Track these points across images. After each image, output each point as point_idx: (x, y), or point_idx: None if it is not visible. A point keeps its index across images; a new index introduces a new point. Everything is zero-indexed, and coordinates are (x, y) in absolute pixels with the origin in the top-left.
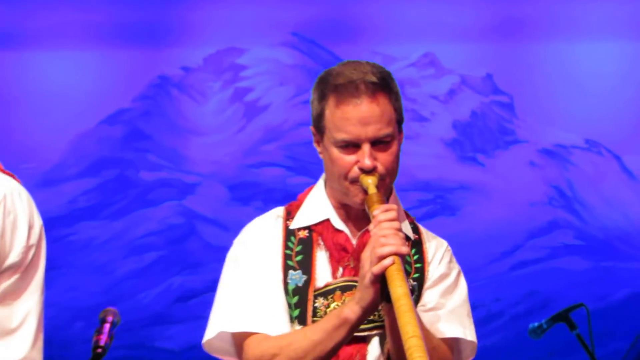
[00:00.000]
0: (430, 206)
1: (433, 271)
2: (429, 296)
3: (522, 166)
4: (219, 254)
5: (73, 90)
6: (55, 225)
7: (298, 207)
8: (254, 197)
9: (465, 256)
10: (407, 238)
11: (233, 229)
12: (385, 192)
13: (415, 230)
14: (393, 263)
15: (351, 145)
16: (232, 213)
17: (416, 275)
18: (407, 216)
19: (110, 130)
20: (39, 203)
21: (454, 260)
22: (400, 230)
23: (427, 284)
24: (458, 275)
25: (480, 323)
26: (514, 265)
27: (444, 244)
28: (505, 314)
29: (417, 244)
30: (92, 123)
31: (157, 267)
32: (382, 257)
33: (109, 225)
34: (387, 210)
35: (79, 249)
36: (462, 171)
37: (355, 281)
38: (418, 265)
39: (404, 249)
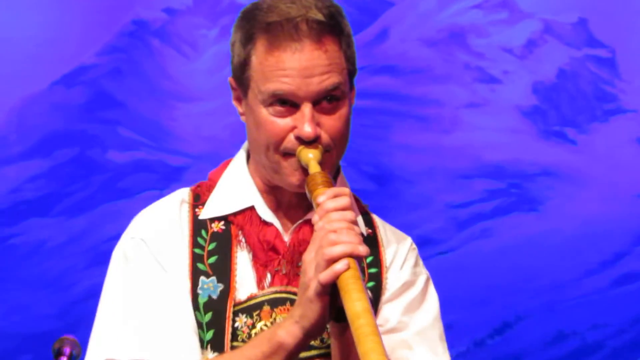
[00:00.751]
0: (503, 199)
1: (393, 278)
2: (389, 312)
3: (628, 144)
4: None
5: (15, 40)
6: None
7: (210, 189)
8: None
9: (551, 266)
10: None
11: None
12: (332, 170)
13: (369, 222)
14: (348, 268)
15: (286, 104)
16: None
17: (370, 283)
18: (358, 204)
19: (67, 95)
20: None
21: (421, 263)
22: (355, 222)
23: (386, 295)
24: (426, 283)
25: (570, 358)
26: (617, 279)
27: (407, 240)
28: (605, 346)
29: (371, 242)
30: (42, 84)
31: None
32: (333, 260)
33: (65, 223)
34: (337, 196)
35: (25, 255)
36: (546, 151)
37: (290, 292)
38: (373, 270)
39: (362, 249)
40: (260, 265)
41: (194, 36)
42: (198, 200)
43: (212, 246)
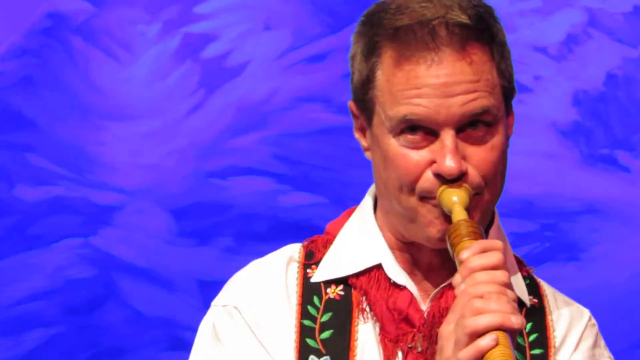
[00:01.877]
0: (535, 244)
1: None
2: None
3: None
4: (160, 331)
5: None
6: None
7: (327, 245)
8: (218, 230)
9: (600, 331)
10: (518, 304)
11: (184, 288)
12: (484, 217)
13: (534, 289)
14: (496, 345)
15: (421, 131)
16: (180, 259)
17: None
18: (519, 264)
19: None
20: None
21: (603, 343)
22: (509, 286)
23: None
24: None
25: None
26: None
27: (584, 314)
28: None
29: (536, 314)
30: None
31: (48, 356)
32: (477, 334)
33: None
34: (486, 251)
35: None
36: (591, 182)
37: None
38: (537, 351)
39: (516, 320)
40: (390, 340)
41: (128, 34)
42: (311, 259)
43: (326, 317)
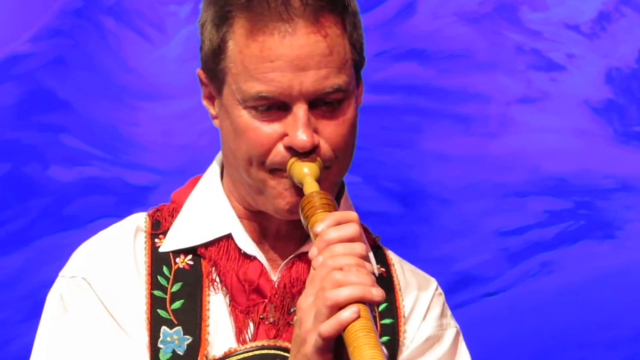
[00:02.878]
0: (569, 222)
1: (413, 332)
2: None
3: None
4: None
5: None
6: None
7: (174, 214)
8: None
9: (633, 311)
10: None
11: None
12: (333, 189)
13: (381, 258)
14: (358, 317)
15: (274, 107)
16: None
17: (384, 338)
18: (366, 233)
19: None
20: None
21: (449, 312)
22: (366, 258)
23: (404, 354)
24: (456, 339)
25: None
26: None
27: (430, 283)
28: None
29: (385, 285)
30: None
31: None
32: (338, 306)
33: None
34: (341, 223)
35: None
36: (625, 159)
37: (280, 347)
38: (387, 320)
39: (376, 293)
40: (241, 311)
41: (160, 14)
42: (158, 228)
43: (176, 287)
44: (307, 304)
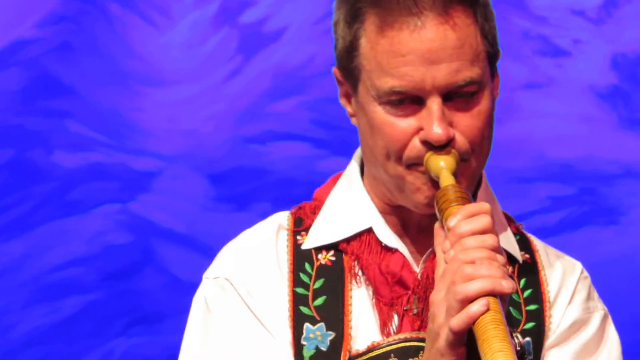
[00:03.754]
0: (573, 208)
1: (559, 317)
2: None
3: None
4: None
5: None
6: None
7: (316, 211)
8: (256, 196)
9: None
10: (510, 260)
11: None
12: (471, 182)
13: (525, 245)
14: (487, 310)
15: (408, 101)
16: (218, 224)
17: (529, 325)
18: (509, 222)
19: None
20: None
21: (596, 295)
22: (498, 250)
23: (551, 339)
24: (604, 321)
25: None
26: None
27: (576, 267)
28: None
29: (528, 271)
30: None
31: (86, 322)
32: (468, 300)
33: None
34: (473, 215)
35: None
36: (630, 145)
37: (424, 339)
38: (532, 307)
39: (507, 285)
40: (384, 304)
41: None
42: (300, 226)
43: (319, 283)
44: (439, 299)
